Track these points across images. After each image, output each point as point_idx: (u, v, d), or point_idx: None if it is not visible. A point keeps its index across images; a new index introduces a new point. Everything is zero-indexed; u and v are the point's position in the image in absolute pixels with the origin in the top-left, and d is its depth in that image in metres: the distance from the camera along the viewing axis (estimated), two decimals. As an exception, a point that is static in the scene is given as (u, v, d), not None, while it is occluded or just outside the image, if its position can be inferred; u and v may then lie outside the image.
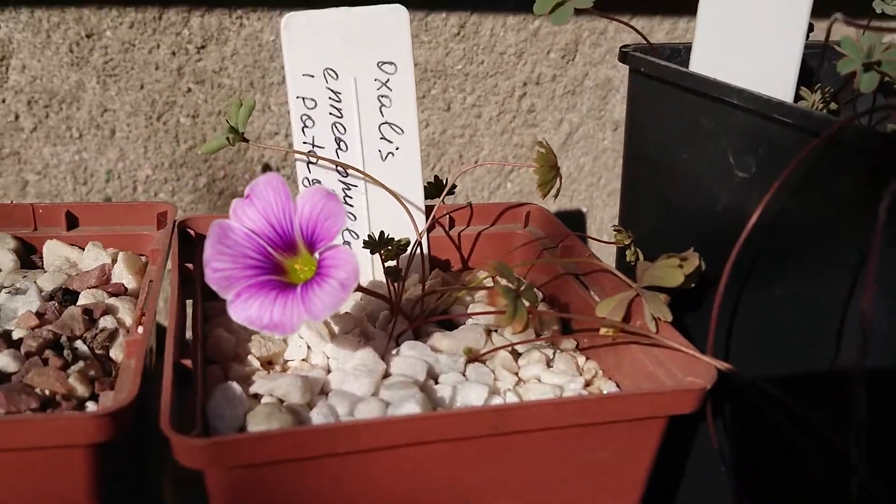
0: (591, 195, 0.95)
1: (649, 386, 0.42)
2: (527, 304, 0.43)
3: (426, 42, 0.83)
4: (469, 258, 0.59)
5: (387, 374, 0.45)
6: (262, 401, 0.41)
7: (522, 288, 0.44)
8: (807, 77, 0.54)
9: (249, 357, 0.45)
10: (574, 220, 0.95)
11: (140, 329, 0.42)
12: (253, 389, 0.42)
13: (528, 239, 0.58)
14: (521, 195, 0.92)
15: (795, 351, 0.45)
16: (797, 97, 0.49)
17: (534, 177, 0.93)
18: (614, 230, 0.55)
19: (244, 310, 0.39)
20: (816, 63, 0.51)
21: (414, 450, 0.37)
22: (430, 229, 0.58)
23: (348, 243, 0.55)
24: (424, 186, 0.61)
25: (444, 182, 0.64)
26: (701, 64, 0.49)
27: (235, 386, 0.41)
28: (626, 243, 0.54)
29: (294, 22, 0.50)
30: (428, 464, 0.38)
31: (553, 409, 0.38)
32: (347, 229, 0.54)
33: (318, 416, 0.40)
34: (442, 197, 0.55)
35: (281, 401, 0.42)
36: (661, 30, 0.88)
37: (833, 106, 0.48)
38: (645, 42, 0.54)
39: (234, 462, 0.34)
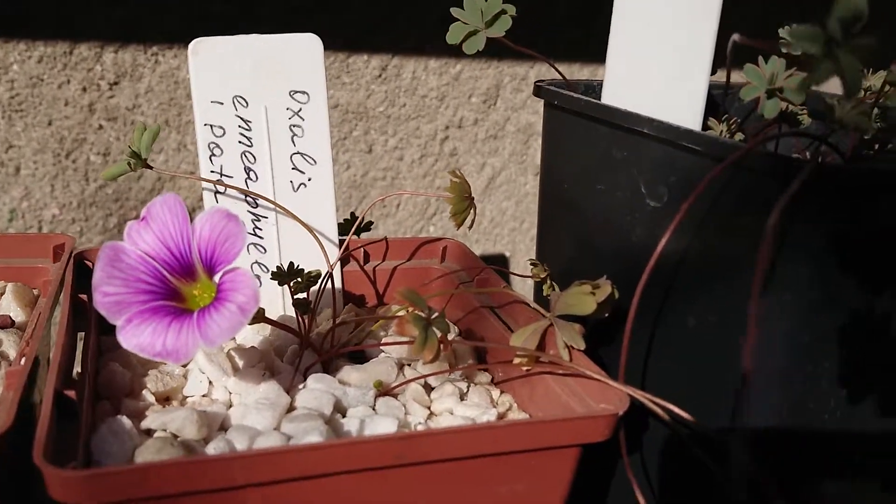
0: (514, 239, 0.95)
1: (562, 414, 0.41)
2: (438, 333, 0.42)
3: (348, 83, 0.83)
4: (384, 293, 0.57)
5: (292, 408, 0.43)
6: (155, 435, 0.39)
7: (433, 316, 0.42)
8: (718, 110, 0.55)
9: (144, 392, 0.43)
10: (497, 264, 0.94)
11: (22, 360, 0.39)
12: (145, 424, 0.39)
13: (445, 273, 0.57)
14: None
15: (707, 379, 0.44)
16: (706, 127, 0.49)
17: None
18: (530, 264, 0.54)
19: (135, 336, 0.37)
20: (724, 96, 0.52)
21: (315, 483, 0.35)
22: (343, 263, 0.56)
23: (258, 277, 0.53)
24: (341, 222, 0.60)
25: (361, 219, 0.63)
26: (612, 96, 0.50)
27: (124, 420, 0.38)
28: (542, 277, 0.53)
29: (202, 48, 0.49)
30: (331, 498, 0.36)
31: (459, 437, 0.36)
32: (257, 262, 0.53)
33: (212, 451, 0.38)
34: (353, 229, 0.54)
35: (175, 436, 0.39)
36: (582, 74, 0.89)
37: (740, 136, 0.49)
38: (561, 78, 0.55)
39: (113, 497, 0.32)
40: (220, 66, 0.49)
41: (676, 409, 0.39)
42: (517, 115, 0.90)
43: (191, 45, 0.49)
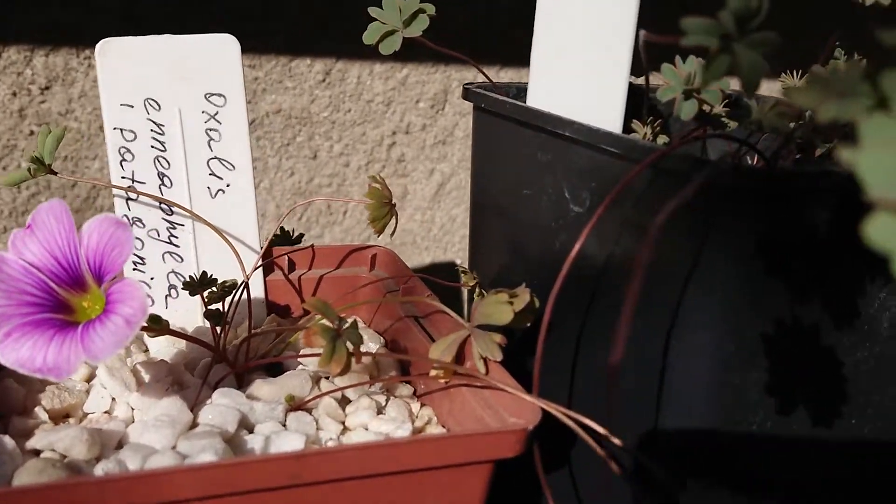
0: (465, 246, 0.93)
1: (474, 429, 0.39)
2: (350, 345, 0.40)
3: (291, 88, 0.81)
4: (311, 303, 0.55)
5: (195, 425, 0.41)
6: (42, 456, 0.37)
7: (345, 327, 0.41)
8: (645, 112, 0.53)
9: (37, 409, 0.40)
10: (448, 272, 0.93)
11: None
12: (31, 444, 0.37)
13: (373, 281, 0.55)
14: (392, 245, 0.89)
15: (631, 390, 0.43)
16: (629, 130, 0.48)
17: (406, 225, 0.90)
18: (460, 272, 0.53)
19: (14, 351, 0.35)
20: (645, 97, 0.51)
21: (203, 505, 0.33)
22: (268, 272, 0.54)
23: (174, 287, 0.51)
24: (276, 235, 0.58)
25: (291, 232, 0.61)
26: (538, 99, 0.48)
27: (6, 440, 0.36)
28: (471, 285, 0.51)
29: (110, 48, 0.47)
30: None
31: (359, 456, 0.34)
32: (173, 272, 0.51)
33: (100, 472, 0.36)
34: (271, 235, 0.52)
35: (64, 456, 0.37)
36: (524, 77, 0.88)
37: (664, 138, 0.48)
38: (488, 81, 0.53)
39: (-24, 524, 0.30)
40: (130, 67, 0.48)
41: (590, 423, 0.37)
42: (466, 121, 0.88)
43: (98, 46, 0.47)
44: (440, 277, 0.53)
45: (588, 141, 0.42)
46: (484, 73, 0.52)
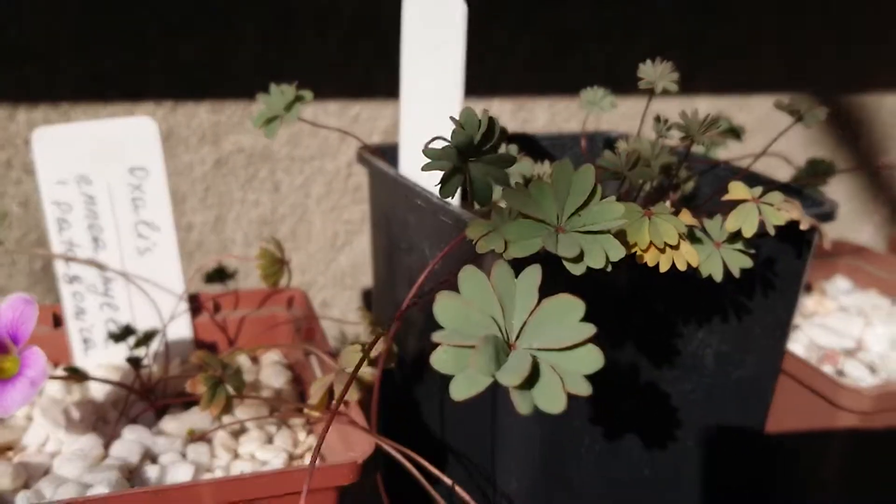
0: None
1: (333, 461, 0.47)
2: (231, 390, 0.49)
3: (250, 130, 0.89)
4: (236, 340, 0.64)
5: (106, 457, 0.49)
6: (-26, 487, 0.46)
7: (230, 373, 0.49)
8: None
9: (-20, 445, 0.50)
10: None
11: None
12: (-33, 476, 0.46)
13: (288, 321, 0.63)
14: (355, 266, 0.97)
15: (462, 427, 0.50)
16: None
17: (367, 246, 0.98)
18: (359, 311, 0.60)
19: (-56, 407, 0.44)
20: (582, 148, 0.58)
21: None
22: (196, 314, 0.63)
23: (113, 334, 0.59)
24: (208, 274, 0.66)
25: (225, 271, 0.69)
26: (406, 165, 0.55)
27: (-56, 475, 0.45)
28: (367, 324, 0.59)
29: (43, 135, 0.56)
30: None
31: (216, 488, 0.42)
32: (111, 320, 0.59)
33: (21, 501, 0.45)
34: (186, 282, 0.60)
35: (-7, 486, 0.46)
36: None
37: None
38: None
39: None
40: (62, 150, 0.56)
41: (423, 461, 0.45)
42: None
43: (33, 134, 0.56)
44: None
45: (433, 210, 0.50)
46: (362, 141, 0.59)
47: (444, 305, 0.25)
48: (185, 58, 0.84)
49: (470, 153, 0.35)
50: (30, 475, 0.48)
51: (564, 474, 0.51)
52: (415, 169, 0.54)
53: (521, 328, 0.26)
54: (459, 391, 0.25)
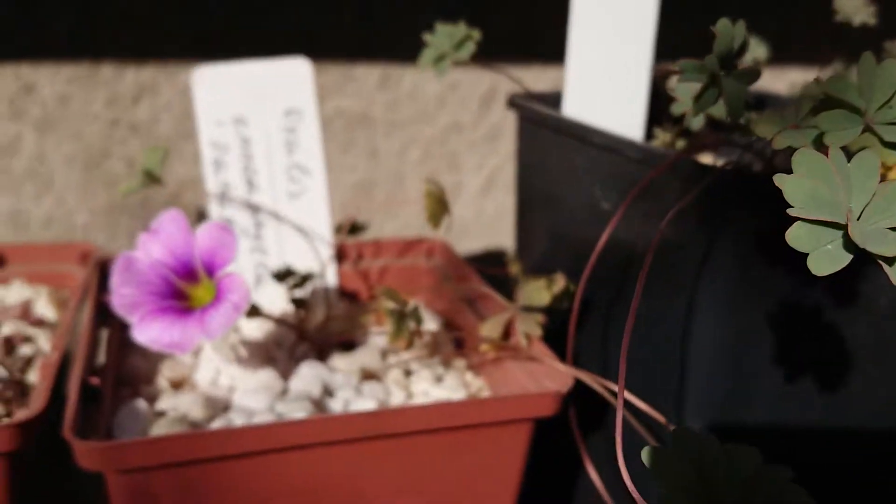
0: (512, 233, 1.00)
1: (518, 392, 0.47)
2: (412, 324, 0.48)
3: (351, 94, 0.89)
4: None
5: (286, 392, 0.49)
6: (167, 416, 0.45)
7: (409, 310, 0.48)
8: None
9: (159, 378, 0.49)
10: (498, 256, 1.00)
11: (54, 353, 0.46)
12: (159, 406, 0.46)
13: (430, 270, 0.63)
14: (447, 237, 0.97)
15: (650, 366, 0.50)
16: (652, 135, 0.55)
17: (462, 212, 0.98)
18: (507, 262, 0.60)
19: (146, 331, 0.43)
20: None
21: (298, 453, 0.41)
22: (339, 263, 0.62)
23: (260, 277, 0.59)
24: (351, 225, 0.66)
25: (352, 226, 0.69)
26: (572, 107, 0.55)
27: (141, 402, 0.45)
28: (515, 272, 0.59)
29: (203, 76, 0.56)
30: (312, 468, 0.42)
31: (423, 413, 0.42)
32: (261, 264, 0.59)
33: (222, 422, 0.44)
34: (355, 232, 0.60)
35: (185, 416, 0.46)
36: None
37: (681, 142, 0.54)
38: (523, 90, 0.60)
39: (130, 464, 0.38)
40: (220, 90, 0.56)
41: (613, 386, 0.44)
42: (512, 118, 0.95)
43: (193, 74, 0.56)
44: (490, 262, 0.61)
45: (615, 148, 0.49)
46: (522, 87, 0.59)
47: (794, 183, 0.25)
48: (288, 19, 0.83)
49: (725, 65, 0.35)
50: (213, 406, 0.47)
51: (743, 415, 0.50)
52: (584, 110, 0.54)
53: (864, 208, 0.26)
54: (820, 267, 0.25)
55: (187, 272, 0.46)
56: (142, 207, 0.86)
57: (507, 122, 0.95)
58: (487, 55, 0.57)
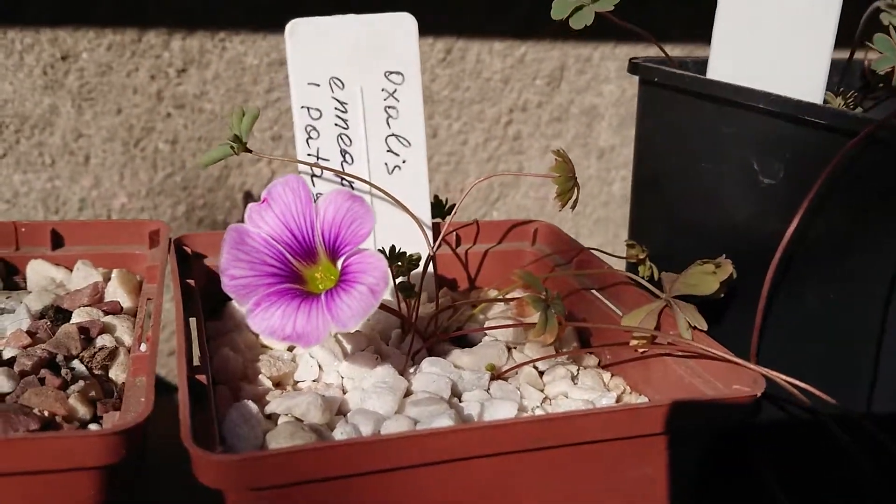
0: (577, 223, 0.94)
1: (692, 397, 0.40)
2: (556, 315, 0.41)
3: (412, 68, 0.82)
4: (476, 277, 0.56)
5: (409, 393, 0.42)
6: (280, 420, 0.38)
7: (552, 299, 0.42)
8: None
9: (260, 377, 0.42)
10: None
11: (145, 346, 0.39)
12: (269, 409, 0.39)
13: (538, 256, 0.56)
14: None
15: (833, 360, 0.43)
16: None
17: (521, 201, 0.91)
18: (627, 245, 0.53)
19: (265, 319, 0.36)
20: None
21: (451, 467, 0.34)
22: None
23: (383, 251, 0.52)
24: (446, 206, 0.59)
25: (445, 201, 0.62)
26: (719, 72, 0.48)
27: (251, 404, 0.38)
28: (641, 258, 0.52)
29: (299, 29, 0.48)
30: (466, 482, 0.36)
31: (603, 419, 0.35)
32: (352, 246, 0.52)
33: (341, 436, 0.37)
34: (452, 214, 0.53)
35: (301, 420, 0.38)
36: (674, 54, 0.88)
37: (858, 110, 0.48)
38: (663, 55, 0.54)
39: (262, 482, 0.31)
40: (317, 47, 0.49)
41: (814, 391, 0.38)
42: (581, 98, 0.89)
43: (288, 26, 0.49)
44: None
45: (788, 112, 0.43)
46: (662, 49, 0.52)
47: None
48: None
49: None
50: (329, 410, 0.40)
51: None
52: (735, 74, 0.47)
53: None
54: None
55: (304, 250, 0.39)
56: (183, 189, 0.78)
57: (575, 105, 0.89)
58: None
